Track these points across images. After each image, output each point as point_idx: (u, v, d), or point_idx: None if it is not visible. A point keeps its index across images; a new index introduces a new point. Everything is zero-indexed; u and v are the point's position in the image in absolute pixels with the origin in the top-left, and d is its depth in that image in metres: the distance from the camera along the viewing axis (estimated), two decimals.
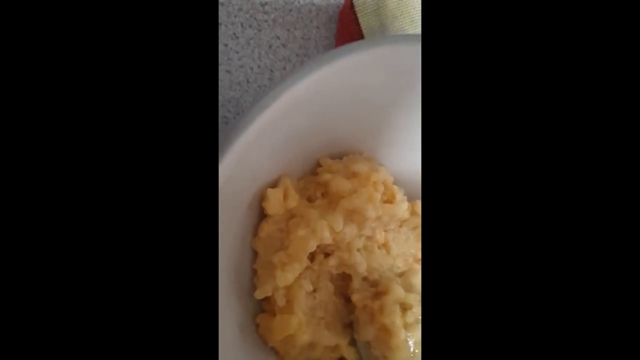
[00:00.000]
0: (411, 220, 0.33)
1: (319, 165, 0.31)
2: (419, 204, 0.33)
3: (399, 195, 0.32)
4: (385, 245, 0.32)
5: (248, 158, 0.25)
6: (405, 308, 0.29)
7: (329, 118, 0.28)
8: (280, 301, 0.29)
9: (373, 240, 0.32)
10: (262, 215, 0.30)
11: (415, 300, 0.29)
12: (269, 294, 0.29)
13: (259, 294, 0.29)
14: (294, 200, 0.29)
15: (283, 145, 0.28)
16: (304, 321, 0.29)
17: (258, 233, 0.29)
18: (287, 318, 0.28)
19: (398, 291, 0.29)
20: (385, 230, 0.32)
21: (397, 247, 0.33)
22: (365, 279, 0.31)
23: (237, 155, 0.24)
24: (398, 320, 0.28)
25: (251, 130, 0.23)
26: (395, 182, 0.33)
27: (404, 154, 0.33)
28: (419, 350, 0.29)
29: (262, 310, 0.30)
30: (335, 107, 0.28)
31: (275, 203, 0.29)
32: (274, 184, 0.30)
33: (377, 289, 0.30)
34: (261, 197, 0.29)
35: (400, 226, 0.33)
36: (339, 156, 0.32)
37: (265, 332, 0.29)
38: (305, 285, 0.29)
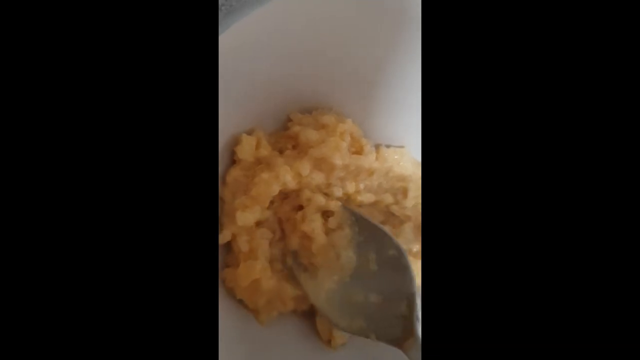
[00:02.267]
0: (380, 168, 0.34)
1: (289, 120, 0.33)
2: (383, 148, 0.35)
3: (367, 147, 0.34)
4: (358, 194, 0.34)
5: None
6: (327, 215, 0.31)
7: (294, 65, 0.30)
8: (244, 247, 0.30)
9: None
10: (232, 165, 0.32)
11: (336, 207, 0.31)
12: (229, 239, 0.30)
13: (221, 239, 0.30)
14: (265, 150, 0.32)
15: (251, 94, 0.30)
16: (268, 268, 0.30)
17: (225, 178, 0.31)
18: (252, 263, 0.30)
19: (318, 200, 0.31)
20: (355, 182, 0.34)
21: (369, 194, 0.34)
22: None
23: None
24: (318, 227, 0.30)
25: None
26: (366, 136, 0.35)
27: (375, 109, 0.35)
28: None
29: (227, 265, 0.32)
30: (299, 50, 0.30)
31: (247, 148, 0.31)
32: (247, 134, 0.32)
33: (299, 201, 0.32)
34: (231, 149, 0.31)
35: (371, 175, 0.34)
36: (309, 111, 0.34)
37: (231, 285, 0.31)
38: (266, 234, 0.31)
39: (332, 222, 0.31)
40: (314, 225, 0.30)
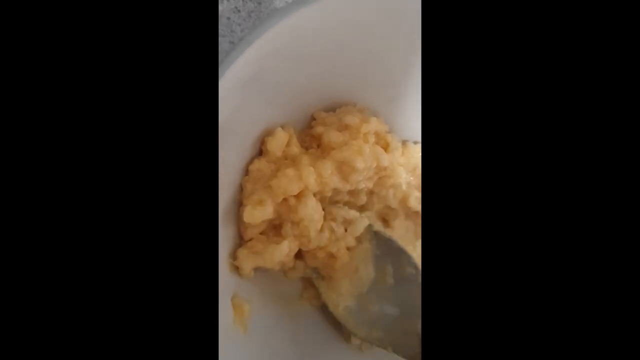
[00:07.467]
0: (407, 163, 0.34)
1: (313, 119, 0.33)
2: (410, 144, 0.34)
3: (393, 143, 0.33)
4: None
5: (247, 100, 0.27)
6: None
7: (321, 67, 0.30)
8: None
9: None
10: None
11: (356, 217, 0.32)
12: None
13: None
14: (296, 147, 0.31)
15: (280, 94, 0.29)
16: None
17: (249, 168, 0.31)
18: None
19: (343, 214, 0.32)
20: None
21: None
22: None
23: (228, 92, 0.24)
24: (343, 247, 0.31)
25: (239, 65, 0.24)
26: (392, 130, 0.34)
27: (401, 102, 0.34)
28: None
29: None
30: (324, 53, 0.29)
31: (277, 142, 0.30)
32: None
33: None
34: (262, 141, 0.31)
35: (395, 171, 0.34)
36: (333, 108, 0.33)
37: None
38: None
39: (351, 236, 0.31)
40: (339, 245, 0.31)
